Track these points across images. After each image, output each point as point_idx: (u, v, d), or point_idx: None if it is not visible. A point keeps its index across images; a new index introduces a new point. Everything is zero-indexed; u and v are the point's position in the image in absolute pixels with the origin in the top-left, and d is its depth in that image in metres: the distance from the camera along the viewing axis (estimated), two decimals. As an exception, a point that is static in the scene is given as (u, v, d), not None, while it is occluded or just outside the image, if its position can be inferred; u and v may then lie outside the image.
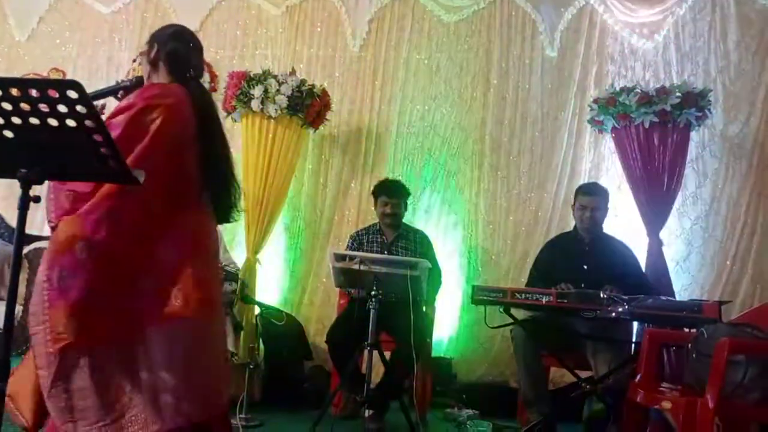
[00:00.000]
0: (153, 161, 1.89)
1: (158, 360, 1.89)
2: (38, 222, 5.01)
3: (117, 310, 1.87)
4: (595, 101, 4.11)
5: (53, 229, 1.90)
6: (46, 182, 1.85)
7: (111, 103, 2.41)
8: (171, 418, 1.89)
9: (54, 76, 5.14)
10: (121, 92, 2.18)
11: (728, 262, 4.25)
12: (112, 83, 2.32)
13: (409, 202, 3.95)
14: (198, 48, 2.21)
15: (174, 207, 1.98)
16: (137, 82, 2.18)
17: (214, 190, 2.09)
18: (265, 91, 4.13)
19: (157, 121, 1.92)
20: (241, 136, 4.30)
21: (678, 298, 3.86)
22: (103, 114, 2.11)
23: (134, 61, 5.11)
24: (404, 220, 3.91)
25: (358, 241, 3.85)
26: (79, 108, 1.48)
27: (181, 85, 2.08)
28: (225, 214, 2.17)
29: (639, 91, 3.89)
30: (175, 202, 1.99)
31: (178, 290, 1.97)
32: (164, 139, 1.93)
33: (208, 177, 2.06)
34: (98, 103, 2.12)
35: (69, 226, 1.85)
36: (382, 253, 3.71)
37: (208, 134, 2.07)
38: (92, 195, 1.86)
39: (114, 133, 1.82)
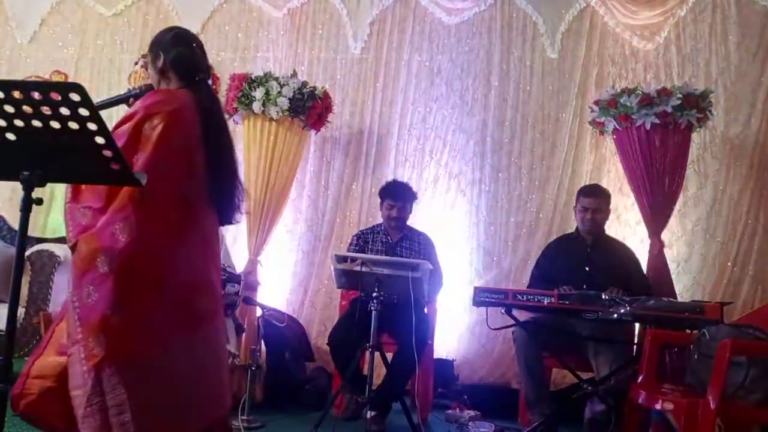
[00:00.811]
0: (161, 168, 1.90)
1: (182, 368, 1.91)
2: (40, 224, 5.03)
3: (144, 320, 1.88)
4: (596, 103, 4.11)
5: (73, 249, 1.90)
6: (62, 202, 1.87)
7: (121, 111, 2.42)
8: (194, 422, 1.92)
9: (56, 78, 5.16)
10: (131, 100, 2.18)
11: (729, 264, 4.24)
12: (114, 86, 2.34)
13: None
14: (201, 47, 2.22)
15: (187, 213, 2.00)
16: (147, 90, 2.19)
17: (219, 192, 2.10)
18: (267, 93, 4.14)
19: (158, 128, 1.93)
20: (242, 138, 4.31)
21: (679, 299, 3.86)
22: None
23: (136, 63, 5.14)
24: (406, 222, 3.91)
25: (363, 239, 3.86)
26: (81, 111, 1.49)
27: (189, 90, 2.09)
28: (228, 216, 2.18)
29: (640, 92, 3.89)
30: (187, 208, 2.00)
31: (199, 299, 2.00)
32: (168, 145, 1.94)
33: (213, 179, 2.07)
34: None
35: (88, 243, 1.86)
36: (386, 253, 3.72)
37: (213, 138, 2.08)
38: (106, 209, 1.87)
39: (119, 143, 1.84)
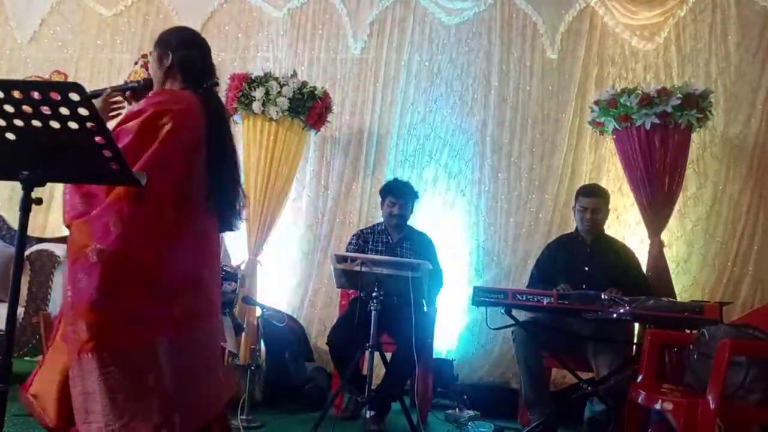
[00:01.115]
0: (163, 166, 1.91)
1: (167, 367, 1.91)
2: (40, 224, 5.03)
3: (129, 315, 1.89)
4: (596, 103, 4.11)
5: (69, 228, 1.93)
6: (62, 202, 1.90)
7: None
8: (179, 424, 1.91)
9: (56, 78, 5.15)
10: (128, 93, 2.17)
11: (729, 263, 4.24)
12: (115, 84, 2.32)
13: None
14: (208, 49, 2.22)
15: (184, 213, 2.00)
16: (145, 84, 2.18)
17: (219, 197, 2.10)
18: (267, 93, 4.14)
19: (167, 127, 1.93)
20: (242, 138, 4.32)
21: (679, 299, 3.86)
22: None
23: (136, 63, 5.13)
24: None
25: (363, 239, 3.84)
26: (81, 110, 1.49)
27: (193, 92, 2.08)
28: (228, 222, 2.18)
29: (640, 92, 3.89)
30: (185, 208, 2.00)
31: (189, 299, 2.00)
32: (174, 144, 1.94)
33: (214, 184, 2.07)
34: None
35: (80, 231, 1.88)
36: (387, 252, 3.71)
37: (216, 141, 2.08)
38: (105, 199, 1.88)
39: (126, 139, 1.86)
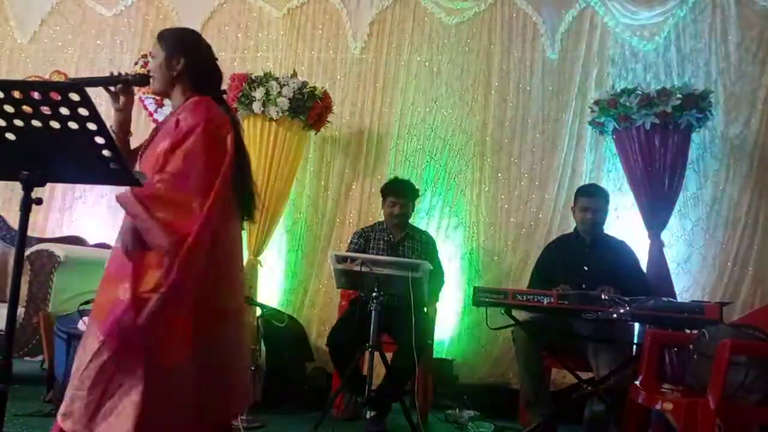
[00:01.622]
0: (231, 174, 1.95)
1: (205, 366, 1.92)
2: (40, 224, 5.03)
3: (172, 316, 1.88)
4: (596, 103, 4.11)
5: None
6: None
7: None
8: (211, 418, 1.95)
9: (56, 78, 5.16)
10: (119, 86, 2.11)
11: (729, 263, 4.24)
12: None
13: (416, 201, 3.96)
14: (213, 54, 2.21)
15: (228, 216, 2.03)
16: (140, 80, 2.15)
17: (244, 201, 2.12)
18: (267, 93, 4.14)
19: (229, 137, 1.97)
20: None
21: (679, 299, 3.86)
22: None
23: (136, 63, 5.13)
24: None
25: (364, 237, 3.83)
26: (81, 110, 1.49)
27: (210, 99, 2.08)
28: (241, 223, 2.21)
29: (640, 92, 3.89)
30: (227, 211, 2.02)
31: (226, 299, 2.03)
32: (235, 154, 1.98)
33: (240, 188, 2.09)
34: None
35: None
36: (389, 252, 3.71)
37: (242, 149, 2.10)
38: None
39: (199, 161, 1.87)
